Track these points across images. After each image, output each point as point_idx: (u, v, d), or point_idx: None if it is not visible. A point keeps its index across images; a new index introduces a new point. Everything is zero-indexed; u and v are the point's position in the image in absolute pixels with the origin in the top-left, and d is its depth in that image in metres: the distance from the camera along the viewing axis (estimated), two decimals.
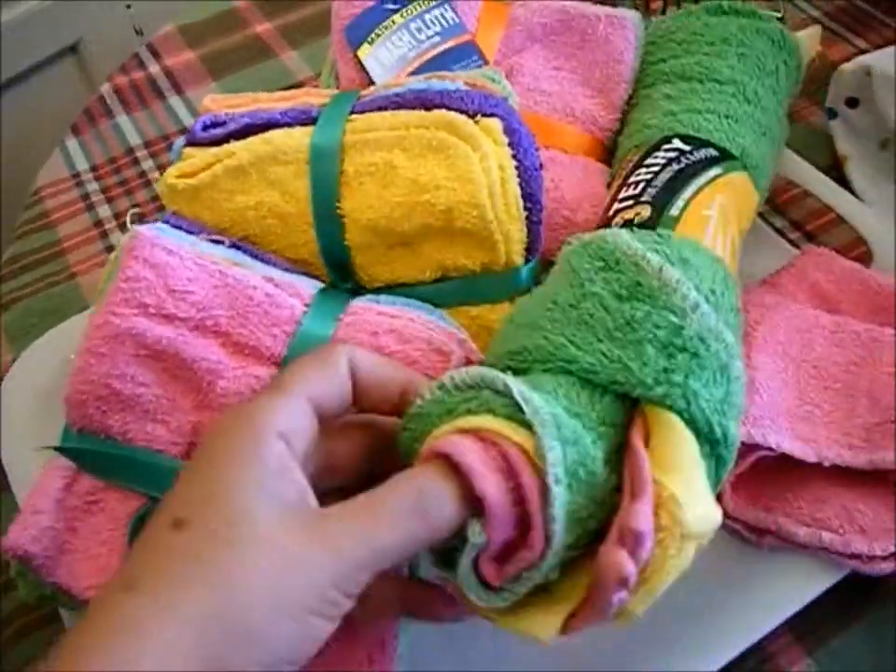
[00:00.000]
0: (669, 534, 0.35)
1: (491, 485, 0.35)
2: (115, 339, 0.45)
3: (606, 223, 0.52)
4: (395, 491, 0.36)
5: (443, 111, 0.51)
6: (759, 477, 0.52)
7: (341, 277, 0.53)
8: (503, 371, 0.40)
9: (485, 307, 0.52)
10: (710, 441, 0.40)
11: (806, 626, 0.52)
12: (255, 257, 0.51)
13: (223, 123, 0.55)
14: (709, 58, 0.61)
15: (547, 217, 0.58)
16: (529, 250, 0.52)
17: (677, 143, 0.56)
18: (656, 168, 0.54)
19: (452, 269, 0.52)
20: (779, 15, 0.66)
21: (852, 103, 0.70)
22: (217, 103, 0.57)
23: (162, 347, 0.45)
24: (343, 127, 0.52)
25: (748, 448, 0.51)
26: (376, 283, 0.53)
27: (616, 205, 0.53)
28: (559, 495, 0.35)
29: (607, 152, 0.63)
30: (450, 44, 0.63)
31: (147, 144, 0.79)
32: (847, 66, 0.68)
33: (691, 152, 0.55)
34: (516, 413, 0.37)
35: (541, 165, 0.52)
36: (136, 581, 0.32)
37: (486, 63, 0.63)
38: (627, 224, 0.50)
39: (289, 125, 0.54)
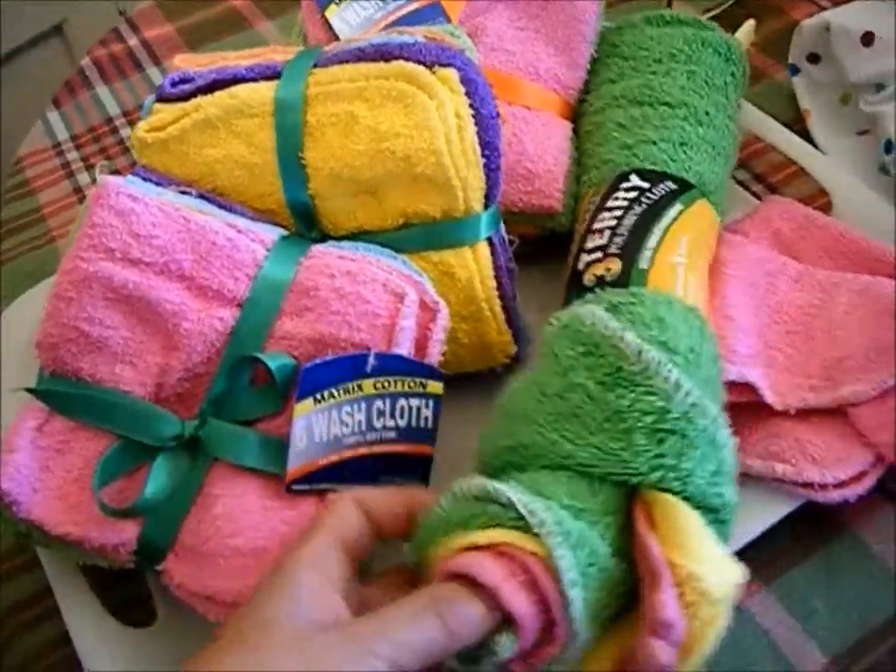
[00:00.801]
0: (699, 607, 0.37)
1: (521, 603, 0.37)
2: (82, 283, 0.47)
3: (577, 278, 0.54)
4: (416, 596, 0.37)
5: (402, 62, 0.52)
6: None
7: (307, 226, 0.54)
8: (502, 467, 0.43)
9: (447, 252, 0.53)
10: (709, 511, 0.42)
11: (763, 559, 0.53)
12: (222, 207, 0.52)
13: (191, 80, 0.56)
14: (658, 77, 0.62)
15: (509, 169, 0.60)
16: (488, 197, 0.53)
17: (635, 180, 0.57)
18: (619, 213, 0.55)
19: (413, 216, 0.53)
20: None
21: (814, 58, 0.71)
22: (187, 61, 0.59)
23: (128, 291, 0.47)
24: (306, 80, 0.53)
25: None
26: (341, 231, 0.54)
27: (584, 257, 0.55)
28: (577, 596, 0.38)
29: (570, 109, 0.65)
30: (416, 5, 0.64)
31: (126, 113, 0.80)
32: (807, 22, 0.70)
33: (650, 189, 0.57)
34: (525, 524, 0.38)
35: (498, 114, 0.53)
36: None
37: (450, 23, 0.64)
38: (600, 281, 0.52)
39: (255, 80, 0.55)
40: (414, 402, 0.46)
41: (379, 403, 0.45)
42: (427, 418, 0.46)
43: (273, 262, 0.48)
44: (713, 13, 0.79)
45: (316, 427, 0.43)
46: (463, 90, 0.52)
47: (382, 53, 0.53)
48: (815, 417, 0.53)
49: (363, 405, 0.44)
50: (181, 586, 0.46)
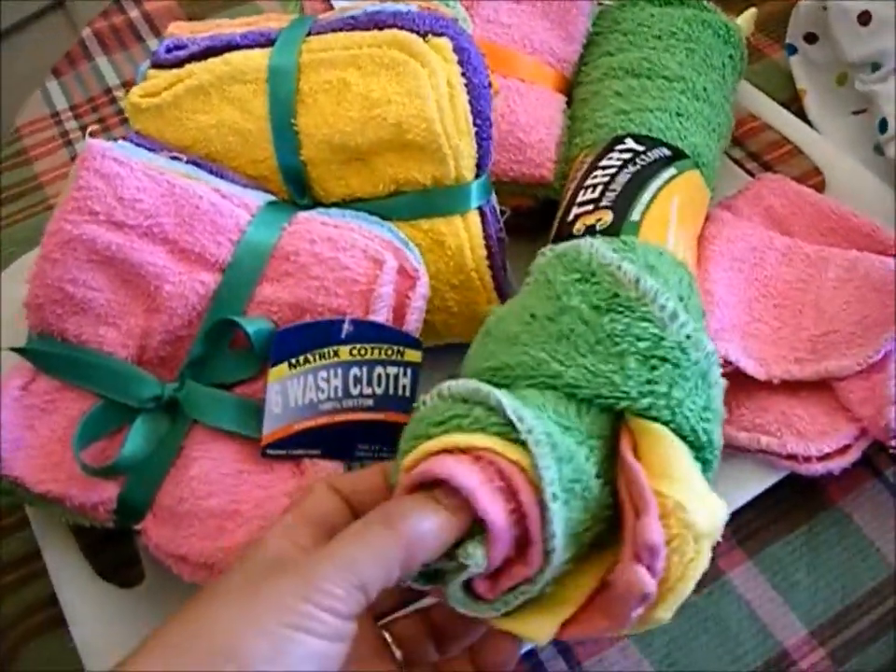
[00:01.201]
0: (683, 540, 0.36)
1: (497, 510, 0.35)
2: (67, 245, 0.47)
3: (565, 228, 0.53)
4: (369, 514, 0.36)
5: (395, 30, 0.52)
6: None
7: (299, 193, 0.54)
8: None
9: (438, 220, 0.53)
10: (696, 447, 0.41)
11: (747, 531, 0.53)
12: (213, 173, 0.52)
13: (185, 46, 0.56)
14: (657, 52, 0.62)
15: (502, 140, 0.60)
16: (480, 166, 0.53)
17: (630, 143, 0.57)
18: (612, 170, 0.55)
19: (405, 183, 0.53)
20: None
21: (811, 38, 0.71)
22: (182, 28, 0.59)
23: (112, 253, 0.47)
24: (300, 48, 0.53)
25: None
26: (332, 198, 0.54)
27: (575, 209, 0.54)
28: (557, 512, 0.36)
29: (564, 82, 0.65)
30: None
31: (125, 84, 0.80)
32: (805, 2, 0.69)
33: (644, 153, 0.56)
34: (509, 432, 0.37)
35: (490, 84, 0.53)
36: None
37: None
38: (589, 229, 0.51)
39: (249, 47, 0.55)
40: (392, 370, 0.45)
41: (356, 370, 0.44)
42: (404, 386, 0.46)
43: (256, 227, 0.48)
44: None
45: (291, 391, 0.43)
46: (456, 58, 0.51)
47: (375, 22, 0.53)
48: (803, 391, 0.53)
49: (339, 371, 0.44)
50: (158, 546, 0.46)
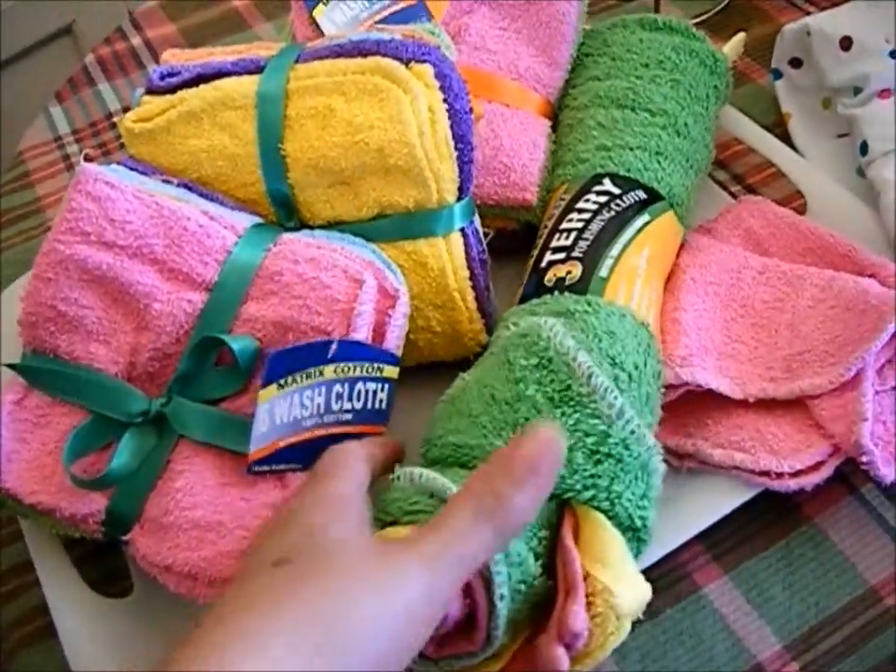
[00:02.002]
0: (606, 618, 0.40)
1: (455, 608, 0.40)
2: (59, 264, 0.49)
3: (539, 274, 0.56)
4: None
5: (378, 58, 0.54)
6: (684, 406, 0.55)
7: (286, 216, 0.56)
8: (447, 459, 0.46)
9: (420, 242, 0.55)
10: (631, 530, 0.45)
11: (724, 547, 0.54)
12: (204, 196, 0.54)
13: (178, 73, 0.58)
14: (643, 83, 0.64)
15: (486, 163, 0.62)
16: (462, 189, 0.55)
17: (607, 184, 0.59)
18: (587, 216, 0.57)
19: (388, 206, 0.55)
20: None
21: (795, 63, 0.73)
22: (177, 56, 0.61)
23: (102, 272, 0.49)
24: (288, 75, 0.55)
25: (674, 385, 0.54)
26: (318, 220, 0.56)
27: (548, 256, 0.56)
28: (503, 609, 0.40)
29: (549, 107, 0.66)
30: (400, 5, 0.66)
31: (126, 109, 0.82)
32: (789, 27, 0.71)
33: (620, 196, 0.58)
34: None
35: (471, 109, 0.55)
36: (234, 612, 0.35)
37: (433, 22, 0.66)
38: (559, 282, 0.54)
39: (239, 74, 0.57)
40: (371, 386, 0.47)
41: (338, 387, 0.46)
42: (381, 400, 0.48)
43: (242, 248, 0.49)
44: (701, 18, 0.81)
45: (278, 410, 0.45)
46: (437, 84, 0.53)
47: (360, 49, 0.55)
48: (777, 409, 0.54)
49: (323, 389, 0.46)
50: (145, 557, 0.48)
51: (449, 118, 0.54)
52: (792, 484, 0.52)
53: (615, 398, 0.45)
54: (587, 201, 0.58)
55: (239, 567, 0.41)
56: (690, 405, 0.55)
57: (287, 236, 0.51)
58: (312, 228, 0.55)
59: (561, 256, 0.56)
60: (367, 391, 0.47)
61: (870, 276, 0.57)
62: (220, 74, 0.57)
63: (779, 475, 0.52)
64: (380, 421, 0.48)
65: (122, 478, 0.48)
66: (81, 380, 0.49)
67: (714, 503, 0.53)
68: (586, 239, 0.56)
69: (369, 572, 0.36)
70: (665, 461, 0.54)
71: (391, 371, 0.47)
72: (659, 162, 0.61)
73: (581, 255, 0.55)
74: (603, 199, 0.58)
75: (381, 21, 0.66)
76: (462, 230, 0.56)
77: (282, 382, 0.45)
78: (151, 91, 0.58)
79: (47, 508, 0.49)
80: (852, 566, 0.53)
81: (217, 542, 0.45)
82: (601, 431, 0.44)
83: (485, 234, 0.59)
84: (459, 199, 0.55)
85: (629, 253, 0.56)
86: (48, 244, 0.49)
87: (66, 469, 0.48)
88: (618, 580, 0.41)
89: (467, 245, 0.56)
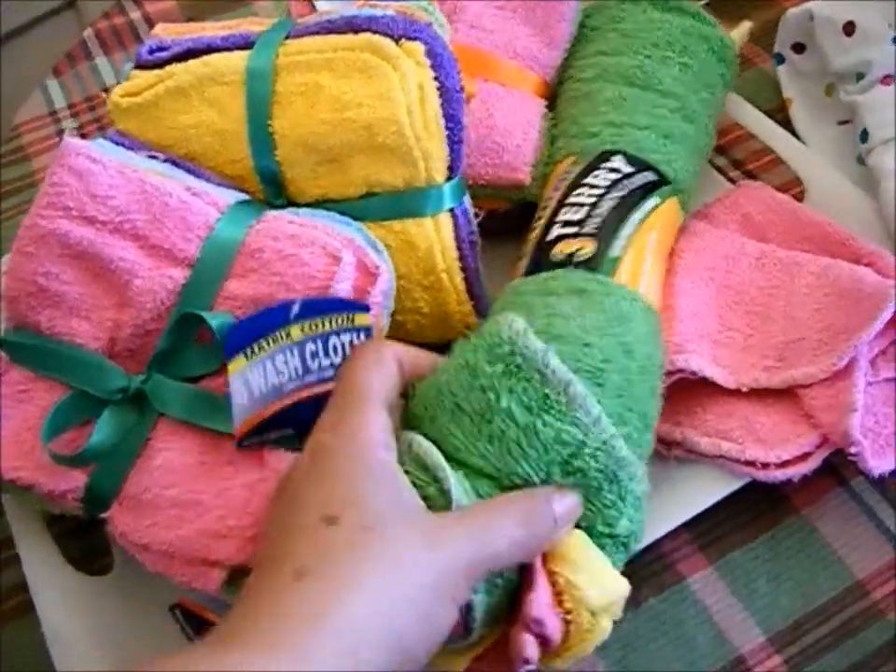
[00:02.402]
0: (577, 613, 0.41)
1: None
2: (41, 239, 0.49)
3: (545, 247, 0.54)
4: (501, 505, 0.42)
5: (369, 34, 0.53)
6: (675, 394, 0.54)
7: (274, 193, 0.55)
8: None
9: (409, 222, 0.54)
10: (610, 537, 0.45)
11: (710, 537, 0.54)
12: (190, 172, 0.54)
13: (168, 48, 0.58)
14: (652, 63, 0.62)
15: (479, 142, 0.61)
16: (451, 169, 0.54)
17: (618, 162, 0.58)
18: (598, 192, 0.56)
19: (376, 185, 0.54)
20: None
21: (798, 48, 0.72)
22: (167, 30, 0.60)
23: (83, 248, 0.49)
24: (277, 50, 0.55)
25: (669, 371, 0.53)
26: (307, 199, 0.55)
27: (557, 229, 0.55)
28: (480, 603, 0.41)
29: (546, 87, 0.66)
30: None
31: None
32: (792, 11, 0.70)
33: (631, 175, 0.57)
34: None
35: (462, 88, 0.54)
36: (306, 570, 0.36)
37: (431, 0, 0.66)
38: (569, 258, 0.53)
39: (229, 49, 0.56)
40: (346, 337, 0.46)
41: (310, 345, 0.45)
42: None
43: (224, 225, 0.49)
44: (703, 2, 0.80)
45: (254, 381, 0.45)
46: (428, 63, 0.52)
47: (350, 25, 0.54)
48: (768, 398, 0.54)
49: (295, 351, 0.45)
50: (123, 535, 0.47)
51: (440, 96, 0.53)
52: (779, 475, 0.51)
53: (592, 405, 0.43)
54: (597, 176, 0.57)
55: (273, 514, 0.41)
56: (681, 392, 0.54)
57: (270, 213, 0.50)
58: (300, 206, 0.55)
59: (571, 230, 0.54)
60: (342, 343, 0.46)
61: (866, 265, 0.56)
62: (210, 49, 0.57)
63: (766, 465, 0.51)
64: None
65: (101, 455, 0.48)
66: (62, 355, 0.49)
67: (700, 493, 0.53)
68: (598, 216, 0.55)
69: (414, 552, 0.37)
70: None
71: (363, 318, 0.46)
72: (667, 146, 0.60)
73: (593, 231, 0.54)
74: (614, 176, 0.57)
75: None
76: (451, 210, 0.55)
77: (249, 351, 0.45)
78: (140, 66, 0.58)
79: (26, 483, 0.49)
80: (839, 559, 0.53)
81: (194, 521, 0.45)
82: (579, 440, 0.42)
83: (476, 215, 0.59)
84: (449, 179, 0.55)
85: (640, 234, 0.55)
86: (29, 218, 0.49)
87: (45, 445, 0.47)
88: (583, 574, 0.41)
89: (456, 225, 0.56)
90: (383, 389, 0.42)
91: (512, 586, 0.42)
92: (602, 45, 0.66)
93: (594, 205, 0.55)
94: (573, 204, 0.56)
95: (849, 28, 0.66)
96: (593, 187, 0.57)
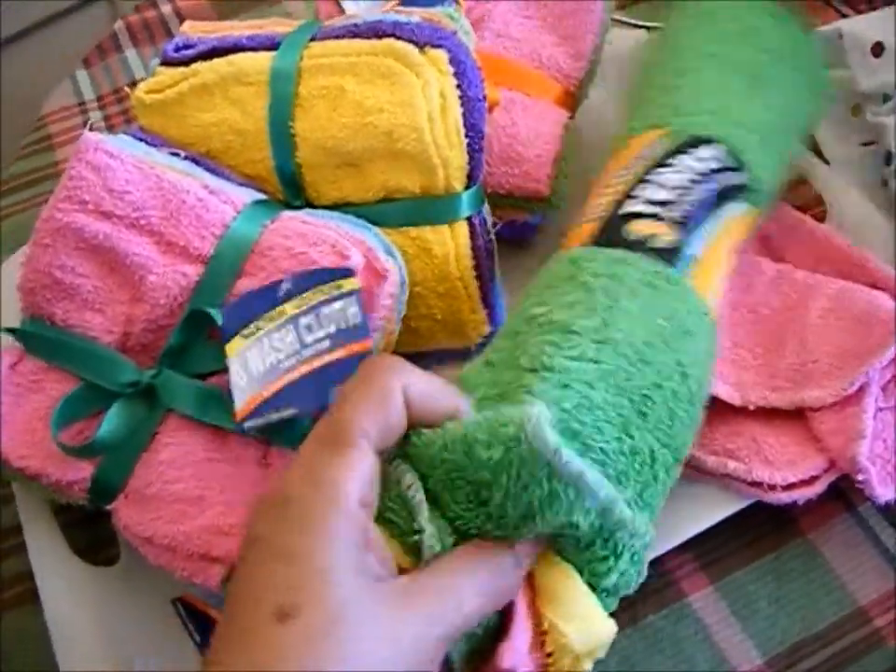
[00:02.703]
0: (559, 657, 0.39)
1: None
2: (58, 232, 0.50)
3: (617, 222, 0.50)
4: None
5: (392, 40, 0.54)
6: None
7: (293, 194, 0.56)
8: None
9: (426, 229, 0.55)
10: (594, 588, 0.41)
11: (713, 556, 0.54)
12: (210, 170, 0.54)
13: (194, 45, 0.58)
14: (761, 66, 0.59)
15: (501, 152, 0.62)
16: (471, 177, 0.55)
17: (716, 151, 0.53)
18: (689, 177, 0.51)
19: (395, 191, 0.54)
20: None
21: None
22: (195, 28, 0.61)
23: (99, 242, 0.50)
24: (302, 53, 0.55)
25: None
26: (325, 201, 0.56)
27: (636, 204, 0.50)
28: (459, 651, 0.39)
29: (570, 97, 0.66)
30: None
31: None
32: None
33: (725, 171, 0.53)
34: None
35: (485, 97, 0.54)
36: None
37: (459, 6, 0.66)
38: (645, 241, 0.48)
39: (254, 49, 0.57)
40: (337, 305, 0.45)
41: (303, 319, 0.45)
42: (354, 314, 0.45)
43: (240, 223, 0.50)
44: None
45: (251, 361, 0.45)
46: (451, 71, 0.53)
47: (375, 30, 0.55)
48: (777, 420, 0.54)
49: (290, 327, 0.45)
50: (127, 527, 0.48)
51: (461, 105, 0.53)
52: (784, 497, 0.51)
53: (602, 489, 0.38)
54: (690, 159, 0.52)
55: (233, 595, 0.35)
56: None
57: (286, 214, 0.51)
58: (318, 208, 0.55)
59: (651, 210, 0.49)
60: (334, 311, 0.45)
61: (883, 289, 0.56)
62: (236, 48, 0.57)
63: (772, 487, 0.51)
64: (360, 336, 0.45)
65: (109, 447, 0.49)
66: (75, 347, 0.50)
67: (705, 511, 0.53)
68: (686, 203, 0.50)
69: (369, 649, 0.33)
70: None
71: (351, 283, 0.45)
72: (766, 155, 0.56)
73: (678, 219, 0.49)
74: (711, 165, 0.52)
75: (405, 2, 0.65)
76: (469, 218, 0.56)
77: (245, 332, 0.45)
78: (166, 63, 0.59)
79: (34, 472, 0.50)
80: (842, 584, 0.53)
81: (196, 517, 0.46)
82: (577, 520, 0.38)
83: (494, 224, 0.59)
84: (468, 187, 0.55)
85: (721, 239, 0.51)
86: (47, 210, 0.50)
87: (53, 435, 0.48)
88: (569, 617, 0.39)
89: (473, 234, 0.56)
90: (377, 429, 0.36)
91: (493, 625, 0.40)
92: (710, 32, 0.61)
93: (683, 191, 0.51)
94: (658, 184, 0.51)
95: (877, 49, 0.66)
96: (682, 171, 0.52)
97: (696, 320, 0.47)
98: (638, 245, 0.48)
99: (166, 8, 0.89)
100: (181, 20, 0.88)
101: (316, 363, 0.45)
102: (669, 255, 0.48)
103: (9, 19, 1.09)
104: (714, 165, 0.52)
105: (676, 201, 0.50)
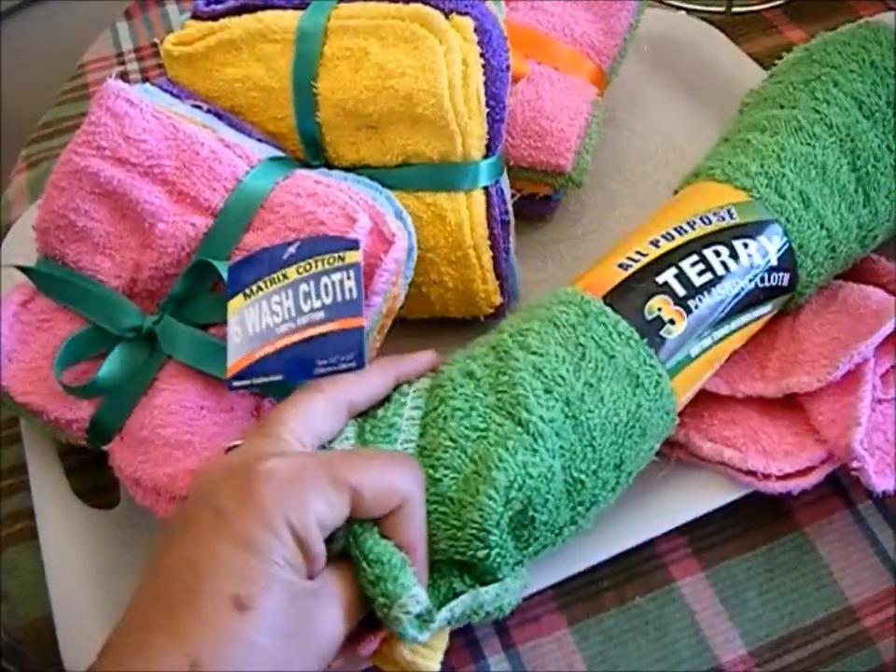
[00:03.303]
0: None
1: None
2: (73, 175, 0.52)
3: (645, 282, 0.51)
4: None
5: (419, 5, 0.54)
6: None
7: (313, 154, 0.57)
8: None
9: (442, 195, 0.56)
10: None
11: (706, 543, 0.54)
12: (232, 125, 0.56)
13: (224, 1, 0.60)
14: (881, 157, 0.56)
15: (525, 125, 0.62)
16: (490, 147, 0.56)
17: (775, 246, 0.53)
18: (732, 269, 0.51)
19: (413, 155, 0.55)
20: None
21: None
22: None
23: (113, 187, 0.51)
24: (329, 13, 0.56)
25: None
26: (344, 162, 0.57)
27: (669, 274, 0.51)
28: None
29: (602, 76, 0.66)
30: None
31: None
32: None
33: (770, 273, 0.53)
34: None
35: (508, 66, 0.55)
36: (203, 662, 0.35)
37: None
38: (654, 324, 0.49)
39: (283, 8, 0.58)
40: (336, 276, 0.46)
41: (304, 286, 0.46)
42: (350, 289, 0.46)
43: (252, 178, 0.51)
44: (777, 3, 0.79)
45: (249, 320, 0.46)
46: (476, 39, 0.54)
47: None
48: (776, 410, 0.54)
49: (290, 292, 0.46)
50: (119, 468, 0.50)
51: (484, 74, 0.54)
52: (779, 487, 0.52)
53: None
54: (751, 248, 0.52)
55: (191, 562, 0.38)
56: None
57: (300, 172, 0.52)
58: (336, 169, 0.56)
59: (683, 292, 0.50)
60: (333, 283, 0.46)
61: (885, 284, 0.57)
62: (265, 6, 0.58)
63: (766, 476, 0.52)
64: (354, 312, 0.46)
65: (108, 389, 0.50)
66: (82, 289, 0.52)
67: (701, 498, 0.53)
68: (712, 299, 0.51)
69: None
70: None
71: (353, 256, 0.46)
72: (833, 265, 0.56)
73: (695, 312, 0.50)
74: (757, 262, 0.52)
75: None
76: (486, 188, 0.56)
77: (248, 291, 0.46)
78: (196, 17, 0.60)
79: (36, 409, 0.52)
80: (834, 581, 0.53)
81: (182, 460, 0.48)
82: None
83: (512, 195, 0.60)
84: (486, 156, 0.56)
85: (728, 342, 0.52)
86: (65, 153, 0.52)
87: (56, 374, 0.50)
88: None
89: (489, 203, 0.57)
90: (320, 511, 0.39)
91: None
92: (834, 92, 0.58)
93: (717, 281, 0.51)
94: (704, 264, 0.51)
95: None
96: (733, 257, 0.52)
97: (657, 421, 0.49)
98: (649, 327, 0.50)
99: None
100: None
101: (308, 333, 0.46)
102: (666, 349, 0.50)
103: None
104: (772, 263, 0.53)
105: (711, 292, 0.51)
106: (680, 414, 0.54)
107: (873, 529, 0.54)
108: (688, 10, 0.80)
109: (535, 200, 0.65)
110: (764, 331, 0.56)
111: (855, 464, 0.50)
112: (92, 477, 0.58)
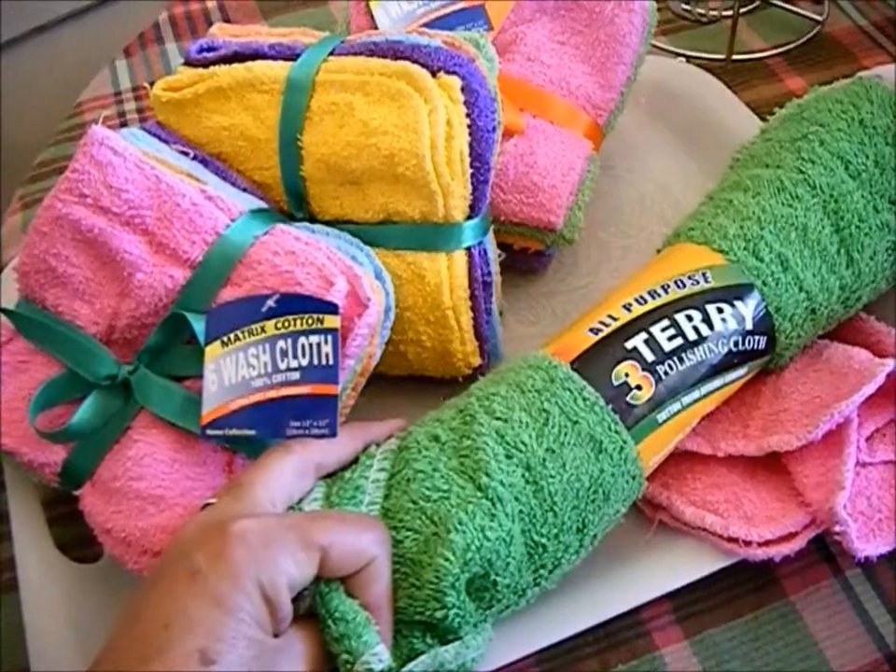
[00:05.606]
0: None
1: None
2: (55, 221, 0.55)
3: (614, 346, 0.53)
4: None
5: (407, 63, 0.57)
6: (667, 456, 0.56)
7: (297, 206, 0.61)
8: None
9: (422, 255, 0.58)
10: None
11: (689, 610, 0.56)
12: (218, 172, 0.59)
13: (217, 48, 0.63)
14: (865, 218, 0.58)
15: (517, 179, 0.65)
16: (473, 208, 0.58)
17: (752, 312, 0.55)
18: (704, 334, 0.54)
19: (394, 213, 0.58)
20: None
21: None
22: (223, 30, 0.66)
23: (94, 235, 0.55)
24: (319, 66, 0.59)
25: None
26: (326, 216, 0.60)
27: (639, 339, 0.53)
28: None
29: (597, 130, 0.69)
30: (459, 5, 0.69)
31: None
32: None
33: (745, 337, 0.55)
34: None
35: (495, 129, 0.58)
36: None
37: (492, 28, 0.69)
38: (621, 389, 0.52)
39: (274, 58, 0.61)
40: (314, 339, 0.49)
41: (282, 343, 0.50)
42: (327, 354, 0.49)
43: (232, 232, 0.54)
44: (782, 49, 0.82)
45: (225, 370, 0.50)
46: (462, 99, 0.56)
47: (393, 51, 0.59)
48: (761, 474, 0.57)
49: (267, 346, 0.50)
50: (90, 515, 0.53)
51: (470, 134, 0.57)
52: (760, 553, 0.54)
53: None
54: (726, 313, 0.55)
55: (163, 615, 0.42)
56: (673, 455, 0.57)
57: (279, 227, 0.55)
58: (320, 222, 0.59)
59: (648, 356, 0.53)
60: (310, 345, 0.49)
61: (872, 344, 0.59)
62: (256, 55, 0.62)
63: (748, 543, 0.53)
64: (329, 379, 0.49)
65: (81, 435, 0.54)
66: (60, 334, 0.55)
67: (684, 566, 0.55)
68: (690, 368, 0.53)
69: None
70: (639, 510, 0.57)
71: (331, 321, 0.49)
72: (814, 327, 0.58)
73: (663, 380, 0.53)
74: (732, 326, 0.55)
75: (438, 21, 0.69)
76: (468, 249, 0.59)
77: (225, 339, 0.50)
78: (188, 63, 0.63)
79: (9, 450, 0.56)
80: (819, 651, 0.54)
81: (155, 515, 0.51)
82: None
83: (502, 255, 0.62)
84: (470, 217, 0.58)
85: (701, 405, 0.55)
86: (48, 199, 0.56)
87: (30, 417, 0.53)
88: None
89: (471, 264, 0.59)
90: (289, 574, 0.43)
91: None
92: (817, 152, 0.60)
93: (688, 346, 0.54)
94: (675, 330, 0.54)
95: None
96: (706, 321, 0.55)
97: (622, 486, 0.52)
98: (615, 392, 0.52)
99: (211, 3, 0.94)
100: (224, 14, 0.93)
101: (283, 392, 0.50)
102: (632, 416, 0.52)
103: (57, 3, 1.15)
104: (747, 327, 0.56)
105: (682, 358, 0.54)
106: (664, 475, 0.56)
107: (860, 598, 0.56)
108: (688, 58, 0.83)
109: (527, 254, 0.67)
110: (748, 389, 0.58)
111: (837, 528, 0.52)
112: (76, 529, 0.59)
